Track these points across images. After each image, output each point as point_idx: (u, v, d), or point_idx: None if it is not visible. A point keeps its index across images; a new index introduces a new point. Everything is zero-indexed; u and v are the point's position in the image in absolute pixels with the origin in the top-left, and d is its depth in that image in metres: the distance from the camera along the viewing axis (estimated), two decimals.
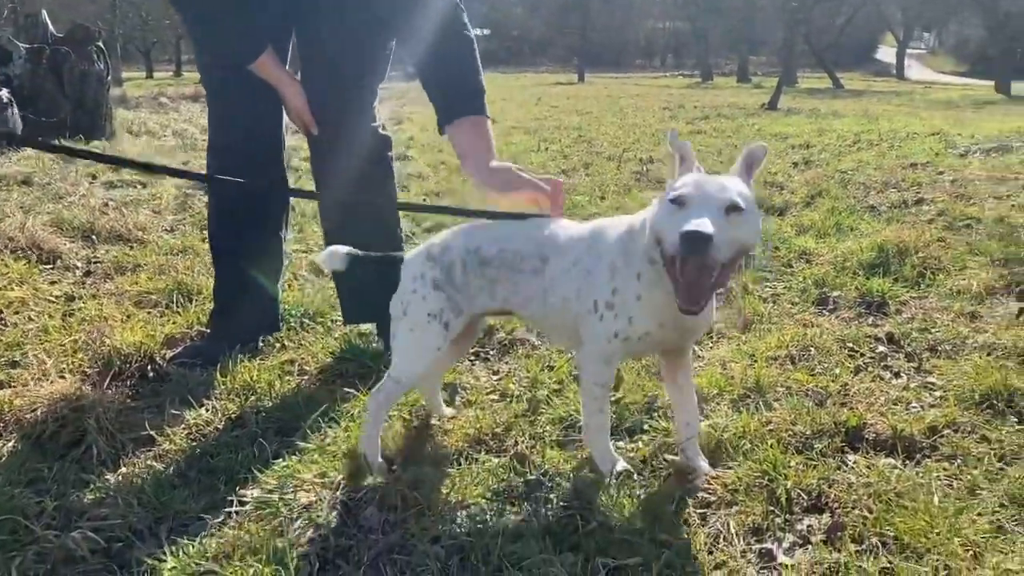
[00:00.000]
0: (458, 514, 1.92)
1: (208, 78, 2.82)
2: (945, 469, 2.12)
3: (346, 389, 2.60)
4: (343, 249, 2.18)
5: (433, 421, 2.42)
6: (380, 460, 2.13)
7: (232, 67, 2.62)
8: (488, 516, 1.92)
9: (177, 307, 3.35)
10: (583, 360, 2.02)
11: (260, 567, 1.70)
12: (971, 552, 1.73)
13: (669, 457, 2.17)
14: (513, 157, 8.27)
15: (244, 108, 2.73)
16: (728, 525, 1.88)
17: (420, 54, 2.48)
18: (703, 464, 2.12)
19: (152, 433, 2.29)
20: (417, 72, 2.50)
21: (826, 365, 2.82)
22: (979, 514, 1.88)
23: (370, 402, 2.15)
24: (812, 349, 2.94)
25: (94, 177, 6.51)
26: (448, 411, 2.46)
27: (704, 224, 1.61)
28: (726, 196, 1.70)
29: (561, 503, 1.96)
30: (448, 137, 2.45)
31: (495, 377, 2.80)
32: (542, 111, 16.38)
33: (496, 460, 2.18)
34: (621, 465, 2.04)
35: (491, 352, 3.03)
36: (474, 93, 2.45)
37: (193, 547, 1.78)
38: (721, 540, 1.83)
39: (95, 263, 4.08)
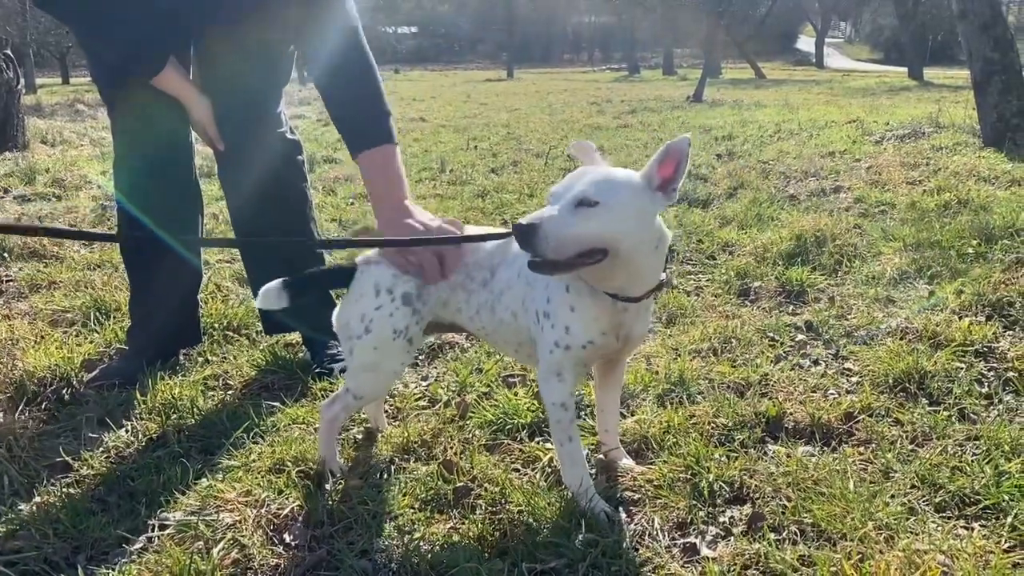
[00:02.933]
0: (386, 526, 1.91)
1: (103, 87, 2.74)
2: (860, 454, 2.20)
3: (271, 403, 2.57)
4: (275, 284, 1.97)
5: (358, 434, 2.40)
6: (341, 462, 2.17)
7: (131, 80, 2.54)
8: (416, 526, 1.92)
9: (95, 325, 3.26)
10: (539, 378, 1.96)
11: None
12: (884, 535, 1.79)
13: (594, 457, 2.20)
14: (441, 157, 8.25)
15: (146, 116, 2.65)
16: (653, 521, 1.91)
17: (320, 73, 2.39)
18: (628, 462, 2.15)
19: (68, 459, 2.22)
20: (322, 98, 2.44)
21: (747, 356, 2.88)
22: (892, 496, 1.96)
23: (323, 415, 2.13)
24: (734, 340, 3.01)
25: (6, 191, 6.27)
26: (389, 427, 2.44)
27: (529, 216, 1.63)
28: (574, 191, 1.68)
29: (489, 509, 1.97)
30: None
31: (424, 383, 2.79)
32: (471, 109, 16.37)
33: (424, 468, 2.17)
34: (600, 506, 1.92)
35: (419, 357, 3.01)
36: (376, 121, 2.31)
37: (112, 575, 1.74)
38: (646, 537, 1.86)
39: (7, 281, 3.93)
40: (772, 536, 1.81)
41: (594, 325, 1.86)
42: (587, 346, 1.87)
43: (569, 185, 1.71)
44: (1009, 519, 1.84)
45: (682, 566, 1.75)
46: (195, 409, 2.53)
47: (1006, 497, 1.93)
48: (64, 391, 2.65)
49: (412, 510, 1.98)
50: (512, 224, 1.63)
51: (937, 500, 1.96)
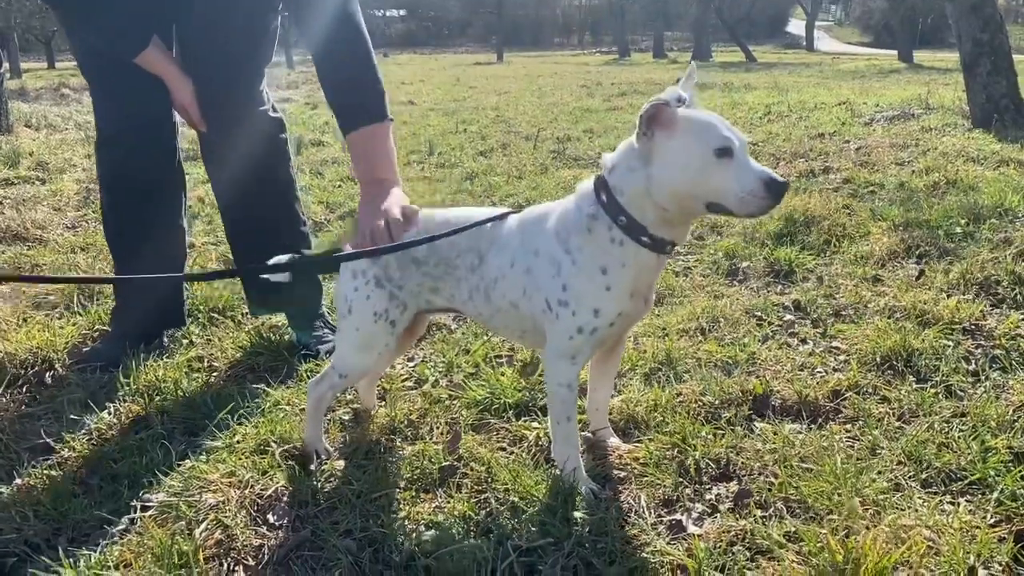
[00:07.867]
0: (371, 506, 1.89)
1: (86, 68, 2.69)
2: (847, 431, 2.19)
3: (256, 384, 2.55)
4: (283, 258, 2.05)
5: (344, 415, 2.39)
6: (326, 446, 2.16)
7: (114, 59, 2.50)
8: (401, 506, 1.91)
9: (78, 307, 3.23)
10: (546, 360, 1.91)
11: (164, 572, 1.65)
12: (870, 511, 1.79)
13: (583, 435, 2.19)
14: (430, 140, 8.20)
15: (129, 97, 2.61)
16: (640, 499, 1.90)
17: (312, 47, 2.36)
18: (615, 440, 2.14)
19: (49, 441, 2.20)
20: (317, 74, 2.41)
21: (735, 335, 2.87)
22: (879, 472, 1.95)
23: (310, 393, 2.12)
24: (722, 320, 3.00)
25: None
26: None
27: (776, 174, 1.66)
28: (746, 139, 1.73)
29: (475, 487, 1.96)
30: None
31: (411, 364, 2.77)
32: (460, 92, 16.26)
33: (410, 448, 2.16)
34: (587, 484, 1.93)
35: None
36: (366, 103, 2.29)
37: (93, 557, 1.72)
38: (633, 514, 1.85)
39: None
40: (759, 512, 1.81)
41: (628, 292, 1.81)
42: (616, 319, 1.82)
43: (740, 137, 1.71)
44: (995, 494, 1.85)
45: (668, 543, 1.75)
46: (179, 391, 2.51)
47: (992, 473, 1.93)
48: (46, 373, 2.62)
49: (397, 490, 1.97)
50: (768, 181, 1.64)
51: (923, 476, 1.96)
